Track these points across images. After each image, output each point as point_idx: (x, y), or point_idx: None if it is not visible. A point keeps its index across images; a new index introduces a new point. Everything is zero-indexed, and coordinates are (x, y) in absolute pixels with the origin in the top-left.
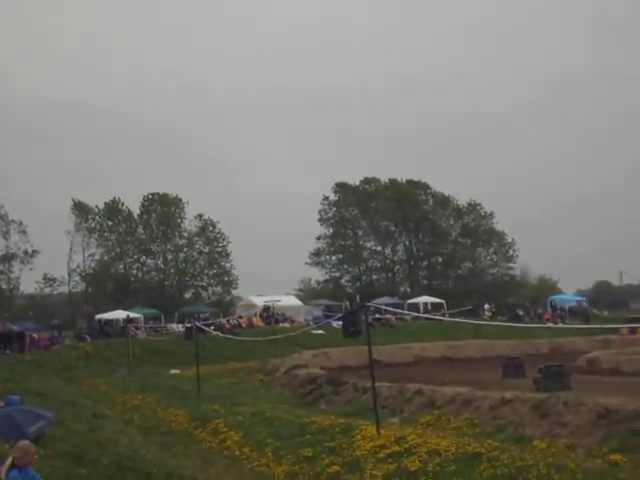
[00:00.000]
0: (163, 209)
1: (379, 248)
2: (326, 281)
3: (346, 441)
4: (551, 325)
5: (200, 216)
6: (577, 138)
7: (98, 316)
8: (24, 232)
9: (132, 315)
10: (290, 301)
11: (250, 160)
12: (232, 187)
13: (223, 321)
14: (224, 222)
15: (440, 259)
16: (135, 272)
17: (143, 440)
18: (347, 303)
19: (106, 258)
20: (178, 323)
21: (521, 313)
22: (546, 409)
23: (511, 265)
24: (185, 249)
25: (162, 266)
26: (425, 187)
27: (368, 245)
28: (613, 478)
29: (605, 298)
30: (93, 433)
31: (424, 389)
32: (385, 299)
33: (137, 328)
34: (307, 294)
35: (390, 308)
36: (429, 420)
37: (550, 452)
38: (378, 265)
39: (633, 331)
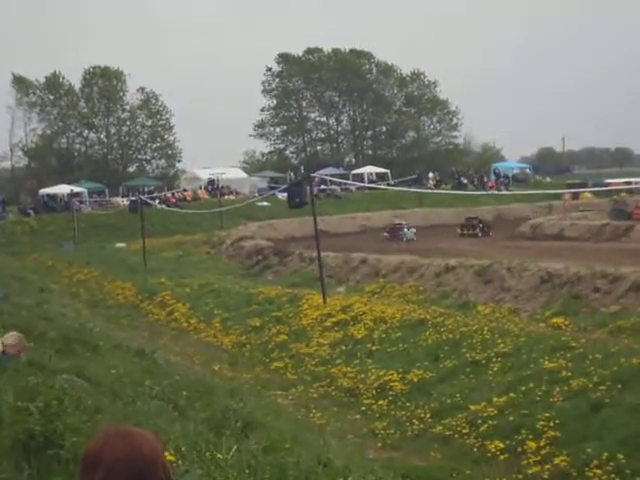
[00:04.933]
0: (105, 82)
1: (323, 119)
2: (270, 153)
3: (293, 310)
4: (494, 192)
5: (142, 89)
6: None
7: (42, 191)
8: None
9: (76, 189)
10: (235, 173)
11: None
12: (173, 59)
13: (168, 194)
14: (167, 96)
15: (384, 129)
16: (78, 146)
17: (90, 313)
18: (292, 174)
19: (48, 132)
20: (123, 197)
21: (465, 181)
22: (490, 275)
23: (455, 134)
24: (128, 122)
25: (105, 140)
26: (369, 56)
27: (312, 116)
28: (555, 341)
29: (548, 165)
30: (40, 307)
31: (369, 258)
32: (330, 170)
33: (81, 202)
34: (252, 166)
35: (335, 179)
36: (374, 288)
37: (494, 317)
38: (322, 136)
39: (575, 196)
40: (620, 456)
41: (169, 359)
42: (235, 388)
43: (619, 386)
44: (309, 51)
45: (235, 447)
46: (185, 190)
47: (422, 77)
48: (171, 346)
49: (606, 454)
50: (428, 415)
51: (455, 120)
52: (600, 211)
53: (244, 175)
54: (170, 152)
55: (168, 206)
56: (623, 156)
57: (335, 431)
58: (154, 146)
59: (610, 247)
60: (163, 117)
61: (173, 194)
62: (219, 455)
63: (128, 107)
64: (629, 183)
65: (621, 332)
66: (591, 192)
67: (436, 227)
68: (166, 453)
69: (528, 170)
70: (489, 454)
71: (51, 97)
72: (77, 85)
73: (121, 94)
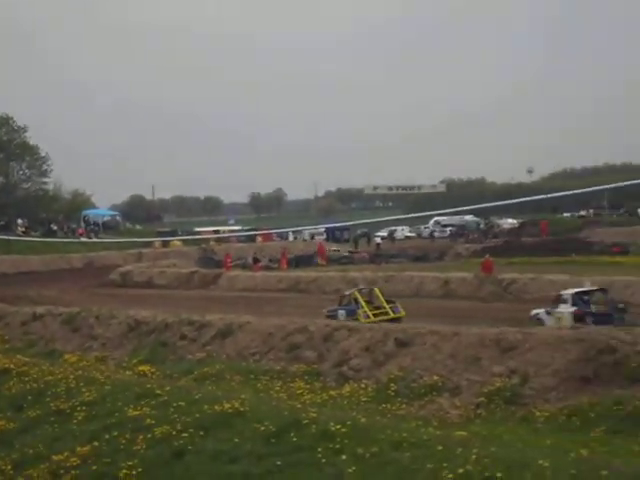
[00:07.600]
0: None
1: None
2: None
3: None
4: (85, 239)
5: None
6: None
7: None
8: None
9: None
10: None
11: None
12: None
13: None
14: None
15: None
16: None
17: None
18: None
19: None
20: None
21: (55, 228)
22: (77, 323)
23: (45, 180)
24: None
25: None
26: None
27: None
28: (140, 388)
29: (139, 212)
30: None
31: None
32: None
33: None
34: None
35: None
36: None
37: (80, 365)
38: None
39: (166, 244)
40: None
41: None
42: None
43: (201, 433)
44: None
45: None
46: None
47: (11, 122)
48: None
49: None
50: (9, 466)
51: (45, 166)
52: (189, 259)
53: None
54: None
55: None
56: (212, 205)
57: None
58: None
59: (198, 295)
60: None
61: None
62: None
63: None
64: (218, 232)
65: (206, 379)
66: (181, 240)
67: (26, 274)
68: None
69: (118, 217)
70: None
71: None
72: None
73: None
